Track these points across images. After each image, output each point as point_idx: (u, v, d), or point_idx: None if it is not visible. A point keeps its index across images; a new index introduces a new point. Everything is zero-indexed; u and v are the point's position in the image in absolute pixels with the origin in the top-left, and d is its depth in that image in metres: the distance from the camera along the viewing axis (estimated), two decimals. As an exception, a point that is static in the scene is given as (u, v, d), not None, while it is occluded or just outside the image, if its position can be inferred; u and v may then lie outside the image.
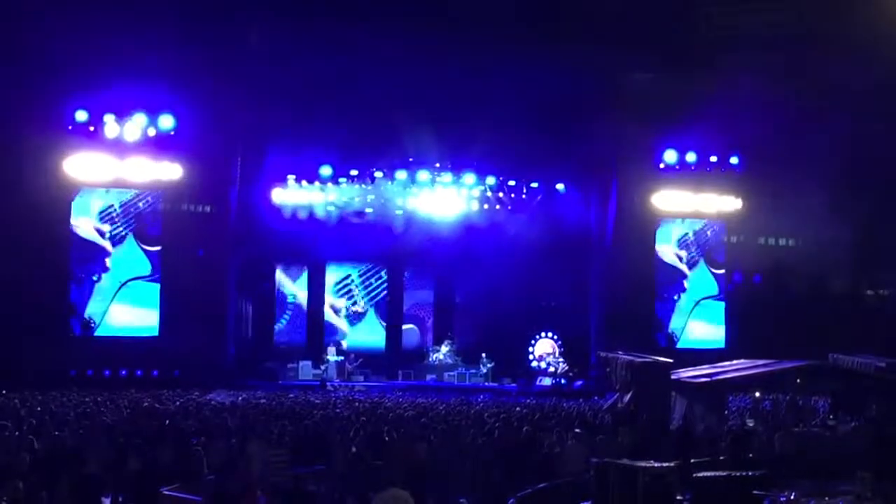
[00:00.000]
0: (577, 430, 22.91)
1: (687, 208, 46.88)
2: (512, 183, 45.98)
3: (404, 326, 48.31)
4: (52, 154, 40.09)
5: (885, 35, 33.97)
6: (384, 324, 48.19)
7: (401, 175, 44.82)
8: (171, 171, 41.59)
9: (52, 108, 39.67)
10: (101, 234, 41.43)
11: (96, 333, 41.04)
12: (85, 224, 41.25)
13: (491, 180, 45.60)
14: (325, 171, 44.34)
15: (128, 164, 41.15)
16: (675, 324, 46.96)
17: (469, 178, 45.41)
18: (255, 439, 19.51)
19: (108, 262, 41.49)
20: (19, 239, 38.32)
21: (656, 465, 16.07)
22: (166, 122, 41.30)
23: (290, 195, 44.50)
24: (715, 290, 47.62)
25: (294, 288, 47.66)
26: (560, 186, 46.42)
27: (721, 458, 21.13)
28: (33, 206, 39.06)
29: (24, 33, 37.02)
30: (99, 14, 36.87)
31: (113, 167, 41.06)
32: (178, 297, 41.09)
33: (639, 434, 22.80)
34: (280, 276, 47.51)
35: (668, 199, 46.44)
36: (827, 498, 19.33)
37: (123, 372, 39.98)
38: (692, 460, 19.65)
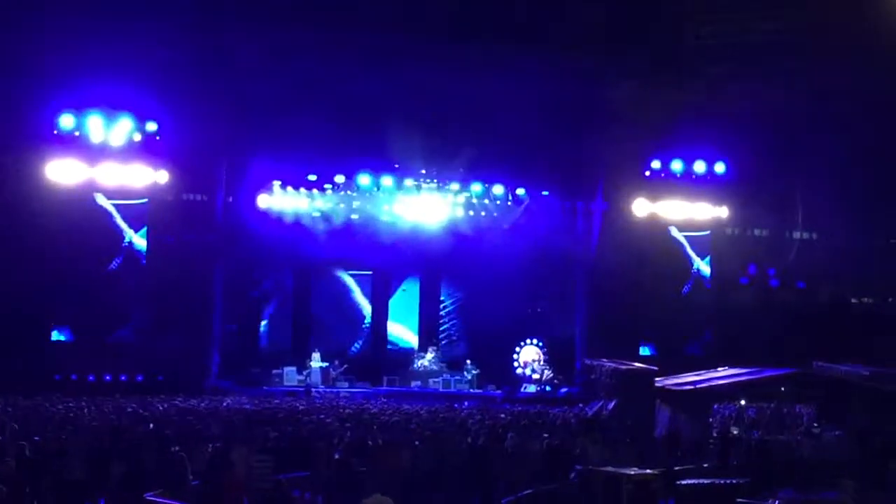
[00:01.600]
0: (546, 436, 22.97)
1: (672, 216, 46.84)
2: (498, 190, 45.88)
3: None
4: (35, 159, 39.93)
5: (872, 43, 34.13)
6: None
7: (386, 181, 44.72)
8: (156, 176, 41.46)
9: (35, 114, 39.58)
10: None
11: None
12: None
13: (476, 187, 45.51)
14: (311, 177, 44.27)
15: (112, 169, 41.01)
16: (659, 331, 46.87)
17: (454, 184, 45.36)
18: (239, 445, 19.47)
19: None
20: (3, 244, 38.22)
21: (640, 471, 16.11)
22: (151, 127, 41.20)
23: (276, 201, 44.39)
24: (700, 297, 47.55)
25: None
26: (545, 193, 46.35)
27: (706, 465, 21.17)
28: (15, 210, 38.97)
29: (8, 39, 36.99)
30: (84, 22, 36.87)
31: (97, 172, 40.92)
32: (163, 302, 40.96)
33: (607, 443, 22.80)
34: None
35: (653, 207, 46.41)
36: (811, 506, 19.37)
37: (108, 377, 39.81)
38: (676, 468, 19.70)
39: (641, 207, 46.26)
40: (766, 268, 46.17)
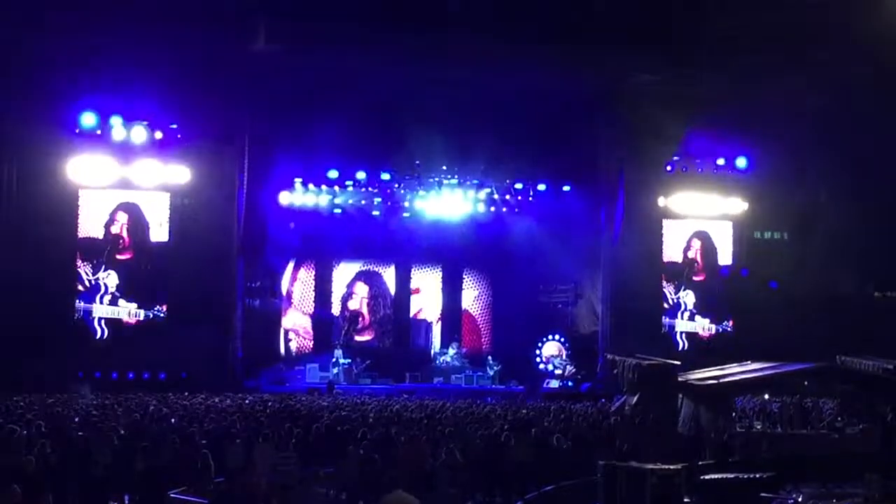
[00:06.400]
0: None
1: (694, 209, 46.74)
2: (519, 185, 45.85)
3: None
4: (58, 157, 40.16)
5: (890, 35, 33.93)
6: None
7: (408, 178, 44.77)
8: (178, 173, 41.55)
9: (58, 112, 39.75)
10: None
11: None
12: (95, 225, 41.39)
13: (498, 183, 45.49)
14: (332, 174, 44.34)
15: (134, 167, 41.13)
16: (682, 326, 46.78)
17: (476, 180, 45.33)
18: (263, 442, 19.52)
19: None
20: (28, 242, 38.46)
21: (664, 467, 16.07)
22: (173, 125, 41.31)
23: (298, 198, 44.47)
24: (721, 291, 47.37)
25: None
26: (566, 188, 46.26)
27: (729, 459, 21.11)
28: (40, 208, 39.21)
29: (31, 38, 37.18)
30: (106, 18, 36.96)
31: (119, 170, 41.06)
32: (185, 299, 41.03)
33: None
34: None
35: (675, 200, 46.30)
36: (835, 500, 19.32)
37: (131, 374, 39.92)
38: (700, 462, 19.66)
39: (664, 201, 46.14)
40: (786, 262, 45.80)
